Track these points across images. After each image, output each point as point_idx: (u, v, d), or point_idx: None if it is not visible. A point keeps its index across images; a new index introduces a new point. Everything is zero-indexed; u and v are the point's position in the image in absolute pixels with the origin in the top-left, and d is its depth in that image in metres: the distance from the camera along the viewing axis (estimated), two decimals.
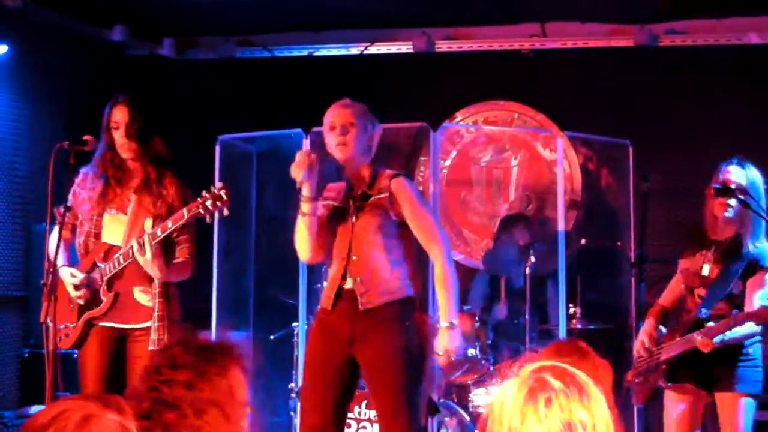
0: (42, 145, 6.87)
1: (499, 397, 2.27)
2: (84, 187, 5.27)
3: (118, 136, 5.23)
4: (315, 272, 7.05)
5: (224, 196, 4.91)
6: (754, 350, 5.17)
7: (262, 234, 8.02)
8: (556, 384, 2.21)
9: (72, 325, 5.19)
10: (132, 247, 5.04)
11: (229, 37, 8.72)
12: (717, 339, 4.95)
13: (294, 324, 7.20)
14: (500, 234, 7.87)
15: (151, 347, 5.10)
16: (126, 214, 5.23)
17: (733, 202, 5.14)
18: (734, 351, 5.10)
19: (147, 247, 4.98)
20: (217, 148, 7.41)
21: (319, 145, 6.57)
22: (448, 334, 4.80)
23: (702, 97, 7.81)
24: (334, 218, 5.00)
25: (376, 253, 4.90)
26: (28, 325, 7.21)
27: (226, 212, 4.94)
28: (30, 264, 7.22)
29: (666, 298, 5.56)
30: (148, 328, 5.14)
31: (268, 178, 8.02)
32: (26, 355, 7.20)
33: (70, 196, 5.31)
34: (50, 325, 5.17)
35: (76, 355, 5.29)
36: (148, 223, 5.18)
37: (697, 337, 4.98)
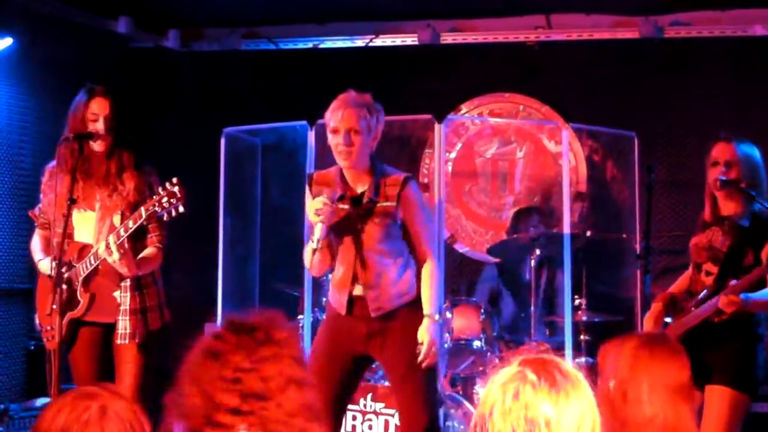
0: (47, 137, 6.87)
1: (485, 389, 2.27)
2: (51, 186, 5.14)
3: (96, 127, 5.10)
4: None
5: (178, 193, 4.82)
6: (756, 349, 5.09)
7: (268, 226, 8.01)
8: (532, 377, 2.20)
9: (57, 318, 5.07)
10: (100, 248, 4.96)
11: (234, 29, 8.71)
12: (743, 296, 4.83)
13: (299, 316, 7.20)
14: (515, 226, 7.87)
15: (119, 341, 5.11)
16: (94, 210, 5.17)
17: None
18: (733, 345, 5.04)
19: (113, 248, 4.89)
20: (222, 141, 7.41)
21: (324, 137, 6.57)
22: (431, 325, 4.90)
23: (707, 88, 7.80)
24: (337, 225, 4.96)
25: (384, 260, 4.93)
26: (33, 318, 7.21)
27: (181, 209, 4.85)
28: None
29: (676, 286, 5.51)
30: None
31: (273, 170, 8.01)
32: (32, 347, 7.21)
33: (41, 196, 5.28)
34: (40, 327, 5.22)
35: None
36: (116, 218, 5.12)
37: (721, 299, 4.86)
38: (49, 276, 5.02)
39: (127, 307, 5.12)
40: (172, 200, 4.83)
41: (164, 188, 4.86)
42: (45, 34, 7.46)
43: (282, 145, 7.75)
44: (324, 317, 5.35)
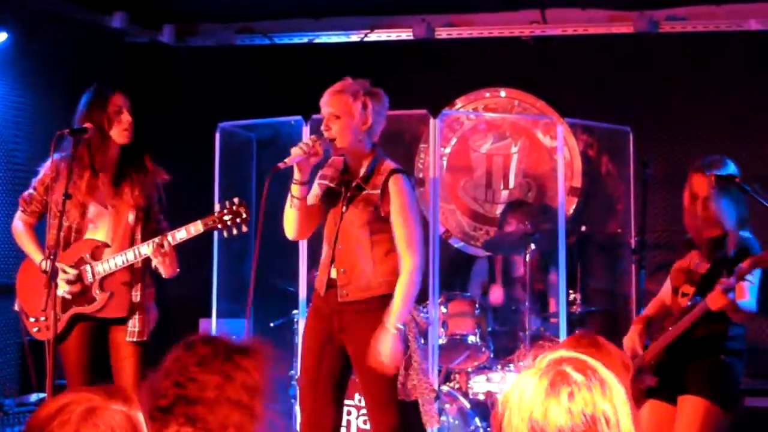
0: (42, 132, 6.87)
1: (516, 389, 2.25)
2: (57, 178, 5.09)
3: (122, 121, 5.14)
4: (315, 260, 7.05)
5: (243, 213, 4.96)
6: (735, 363, 5.10)
7: (264, 222, 7.99)
8: (578, 377, 2.19)
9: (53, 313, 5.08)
10: (145, 246, 5.04)
11: (229, 24, 8.70)
12: (731, 295, 4.82)
13: (294, 312, 7.20)
14: (503, 220, 7.87)
15: (128, 338, 5.17)
16: (108, 207, 5.19)
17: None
18: (711, 358, 5.04)
19: (168, 249, 5.00)
20: (217, 136, 7.41)
21: (319, 132, 6.57)
22: (391, 338, 4.81)
23: (702, 83, 7.80)
24: (327, 198, 5.01)
25: (360, 248, 4.94)
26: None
27: (245, 229, 4.96)
28: None
29: (650, 307, 5.51)
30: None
31: (268, 165, 7.94)
32: (26, 342, 7.19)
33: (35, 182, 5.26)
34: (27, 316, 5.24)
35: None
36: (130, 216, 5.18)
37: (709, 295, 4.85)
38: (44, 271, 5.01)
39: (141, 303, 5.20)
40: (237, 219, 4.92)
41: (226, 206, 4.95)
42: (40, 29, 7.46)
43: (277, 140, 7.74)
44: (309, 310, 5.33)
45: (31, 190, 5.30)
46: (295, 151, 4.82)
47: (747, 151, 7.51)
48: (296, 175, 4.90)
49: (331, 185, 4.99)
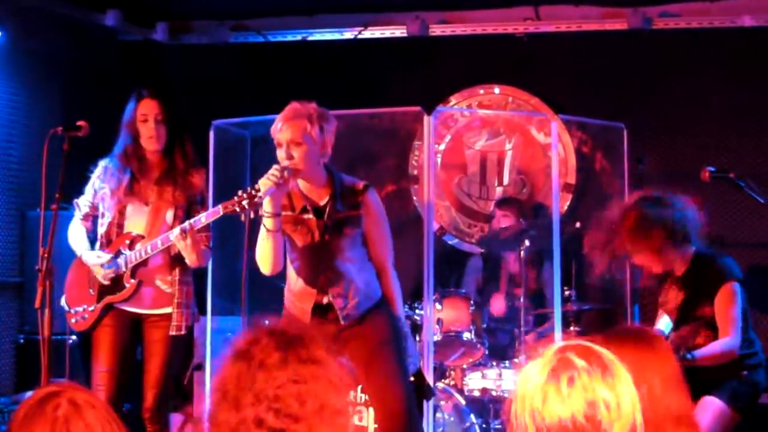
0: (36, 130, 6.88)
1: (522, 379, 2.26)
2: (105, 180, 5.41)
3: (146, 129, 5.36)
4: None
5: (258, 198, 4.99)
6: (757, 376, 5.12)
7: (256, 219, 7.99)
8: (580, 363, 2.20)
9: (91, 308, 5.37)
10: (172, 233, 5.18)
11: (223, 21, 8.70)
12: (689, 355, 4.85)
13: None
14: (491, 216, 7.88)
15: (172, 332, 5.37)
16: (148, 205, 5.40)
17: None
18: (733, 373, 5.05)
19: (187, 234, 5.12)
20: (211, 133, 7.40)
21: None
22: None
23: (696, 79, 7.81)
24: (291, 227, 4.96)
25: (351, 267, 4.96)
26: (23, 312, 7.22)
27: (253, 215, 5.00)
28: (25, 250, 7.23)
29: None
30: (165, 314, 5.39)
31: (262, 163, 7.96)
32: (21, 341, 7.21)
33: (88, 187, 5.49)
34: (67, 308, 5.36)
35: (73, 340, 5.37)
36: (169, 213, 5.39)
37: None
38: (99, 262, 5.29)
39: (182, 300, 5.40)
40: (255, 200, 4.91)
41: (245, 190, 4.95)
42: (34, 27, 7.45)
43: (271, 138, 7.73)
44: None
45: (84, 196, 5.47)
46: (264, 183, 4.72)
47: (741, 146, 7.54)
48: (267, 207, 4.80)
49: (299, 214, 4.95)
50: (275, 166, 4.78)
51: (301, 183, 4.95)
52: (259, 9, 8.50)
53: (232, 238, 7.87)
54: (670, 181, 7.43)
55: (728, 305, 5.01)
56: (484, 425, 6.60)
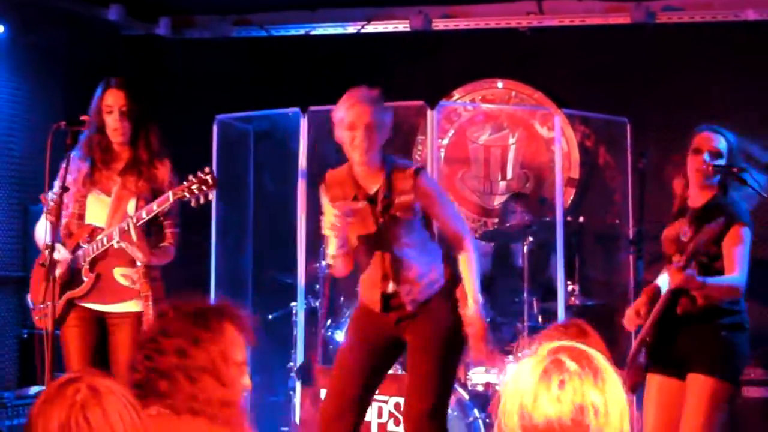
0: (39, 125, 6.86)
1: (514, 375, 2.26)
2: (70, 171, 5.18)
3: (111, 120, 5.20)
4: (313, 252, 7.06)
5: (210, 180, 4.91)
6: (737, 338, 5.06)
7: (260, 213, 8.01)
8: (572, 366, 2.19)
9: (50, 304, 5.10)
10: (116, 230, 5.02)
11: (226, 16, 8.68)
12: (700, 279, 4.77)
13: (292, 304, 7.20)
14: (504, 213, 7.88)
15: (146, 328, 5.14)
16: (110, 195, 5.22)
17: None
18: (713, 334, 5.00)
19: (132, 231, 4.95)
20: (215, 128, 7.40)
21: (316, 124, 6.56)
22: (478, 315, 4.88)
23: (699, 74, 7.80)
24: (353, 220, 4.96)
25: (411, 253, 4.92)
26: (26, 306, 7.19)
27: (211, 197, 4.94)
28: (28, 245, 7.20)
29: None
30: (127, 313, 5.18)
31: (265, 157, 8.01)
32: (25, 335, 7.20)
33: (58, 182, 5.30)
34: (32, 305, 5.25)
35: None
36: (131, 204, 5.17)
37: (670, 277, 4.81)
38: (42, 264, 5.02)
39: (149, 294, 5.15)
40: (203, 187, 4.88)
41: (196, 175, 4.90)
42: (36, 21, 7.44)
43: (274, 132, 7.75)
44: (354, 311, 5.32)
45: (51, 191, 5.35)
46: (328, 232, 4.77)
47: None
48: (332, 251, 4.89)
49: (352, 201, 4.93)
50: (335, 214, 4.74)
51: (357, 170, 4.95)
52: (262, 3, 8.49)
53: (235, 231, 7.90)
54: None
55: (737, 245, 4.96)
56: (487, 420, 6.59)
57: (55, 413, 2.21)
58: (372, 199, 4.90)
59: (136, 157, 5.24)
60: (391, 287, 4.92)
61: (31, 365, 6.99)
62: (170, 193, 4.97)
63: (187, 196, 4.91)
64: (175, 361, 2.61)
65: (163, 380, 2.61)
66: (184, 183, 4.94)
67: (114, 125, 5.20)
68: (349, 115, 4.83)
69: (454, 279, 4.98)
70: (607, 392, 2.18)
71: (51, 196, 5.27)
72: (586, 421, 2.15)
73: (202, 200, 4.95)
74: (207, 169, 4.94)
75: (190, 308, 2.70)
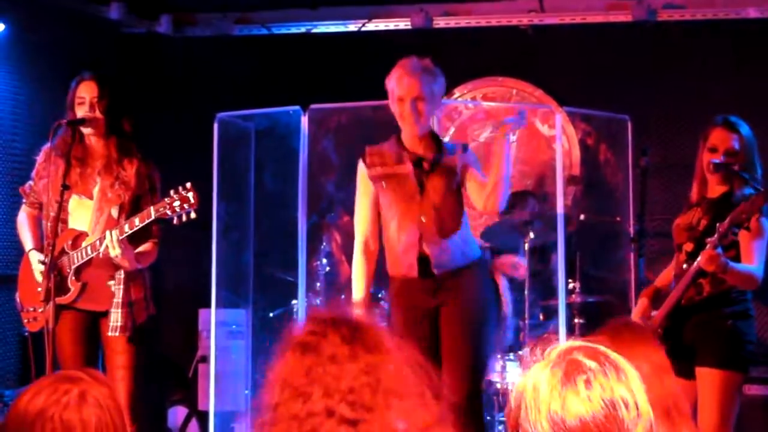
0: (40, 123, 6.86)
1: (529, 384, 2.24)
2: (45, 167, 5.18)
3: (82, 112, 5.16)
4: (314, 250, 7.06)
5: (192, 198, 4.87)
6: (742, 325, 5.10)
7: (261, 211, 8.01)
8: (592, 364, 2.19)
9: (40, 309, 5.11)
10: (99, 243, 5.00)
11: (227, 14, 8.68)
12: (724, 260, 4.79)
13: (293, 301, 7.20)
14: (508, 210, 7.87)
15: (110, 333, 5.12)
16: (91, 198, 5.19)
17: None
18: (719, 324, 5.03)
19: (115, 244, 4.92)
20: (216, 126, 7.40)
21: (317, 122, 6.55)
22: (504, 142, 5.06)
23: (700, 71, 7.80)
24: (393, 184, 5.00)
25: (448, 217, 5.02)
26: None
27: (193, 215, 4.90)
28: None
29: (660, 279, 5.50)
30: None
31: (266, 155, 8.00)
32: (26, 333, 7.19)
33: (33, 174, 5.29)
34: (21, 307, 5.22)
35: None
36: (114, 210, 5.16)
37: (701, 255, 4.83)
38: (42, 262, 5.02)
39: (120, 300, 5.13)
40: (184, 205, 4.86)
41: (177, 192, 4.89)
42: (37, 19, 7.44)
43: (275, 130, 7.74)
44: (390, 296, 5.32)
45: (30, 182, 5.32)
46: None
47: None
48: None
49: (399, 172, 5.00)
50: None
51: (405, 137, 5.02)
52: (263, 1, 8.50)
53: (237, 229, 7.90)
54: (674, 173, 7.45)
55: (756, 237, 4.97)
56: (488, 417, 6.59)
57: (40, 399, 2.24)
58: (418, 161, 4.94)
59: (109, 157, 5.20)
60: (428, 249, 4.95)
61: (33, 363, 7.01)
62: (152, 209, 4.94)
63: (169, 213, 4.89)
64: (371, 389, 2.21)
65: (366, 411, 2.17)
66: (165, 200, 4.91)
67: (85, 116, 5.15)
68: (398, 89, 4.89)
69: (484, 260, 5.04)
70: (631, 385, 2.18)
71: (29, 188, 5.27)
72: (620, 416, 2.15)
73: (184, 218, 4.91)
74: (188, 186, 4.90)
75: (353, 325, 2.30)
